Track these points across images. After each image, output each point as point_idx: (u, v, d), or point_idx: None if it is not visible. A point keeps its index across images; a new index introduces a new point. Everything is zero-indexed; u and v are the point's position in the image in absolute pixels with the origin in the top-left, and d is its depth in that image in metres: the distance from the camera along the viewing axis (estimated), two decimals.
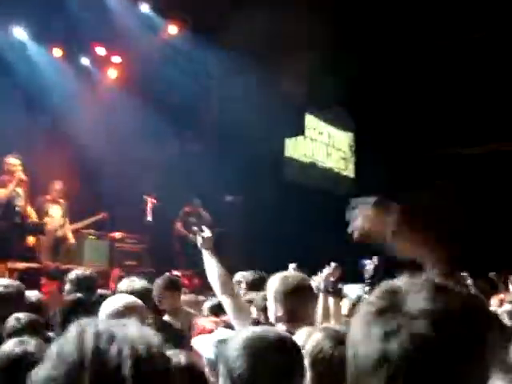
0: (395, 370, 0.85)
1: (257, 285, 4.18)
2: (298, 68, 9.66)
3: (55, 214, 8.12)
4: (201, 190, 9.45)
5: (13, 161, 6.88)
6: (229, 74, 9.70)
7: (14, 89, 8.64)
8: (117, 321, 1.02)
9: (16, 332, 2.78)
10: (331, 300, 3.39)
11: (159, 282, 4.50)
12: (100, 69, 10.27)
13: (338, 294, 3.53)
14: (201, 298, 5.07)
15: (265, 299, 3.15)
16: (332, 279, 3.46)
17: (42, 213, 7.82)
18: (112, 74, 10.41)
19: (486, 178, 10.71)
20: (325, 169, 12.82)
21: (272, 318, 2.92)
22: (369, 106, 11.52)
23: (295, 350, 1.73)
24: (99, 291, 3.98)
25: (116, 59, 10.27)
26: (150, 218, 8.71)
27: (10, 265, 6.75)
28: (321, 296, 3.33)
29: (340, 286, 3.63)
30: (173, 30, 10.16)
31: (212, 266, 3.15)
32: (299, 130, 11.91)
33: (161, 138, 9.52)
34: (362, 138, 12.75)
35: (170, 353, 1.12)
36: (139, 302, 2.72)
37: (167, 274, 5.16)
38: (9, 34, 8.95)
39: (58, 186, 8.14)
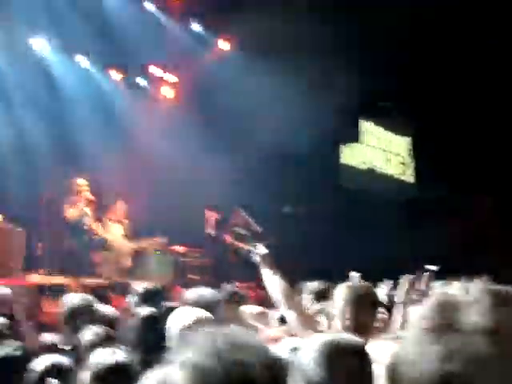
0: None
1: (323, 295, 4.15)
2: (350, 74, 9.60)
3: (117, 233, 8.37)
4: (257, 201, 9.51)
5: (80, 182, 7.22)
6: (280, 86, 9.76)
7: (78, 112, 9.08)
8: (236, 331, 1.06)
9: (94, 345, 2.90)
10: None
11: (221, 294, 4.54)
12: (157, 88, 10.61)
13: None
14: (266, 309, 5.07)
15: (333, 309, 3.13)
16: (418, 288, 3.30)
17: (106, 231, 8.11)
18: (168, 92, 10.73)
19: None
20: (384, 175, 12.61)
21: (339, 328, 2.91)
22: (427, 110, 11.27)
23: (367, 355, 1.73)
24: (167, 304, 4.07)
25: (171, 78, 10.59)
26: (212, 232, 8.85)
27: (81, 281, 7.04)
28: (399, 307, 3.18)
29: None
30: (224, 46, 10.38)
31: (273, 282, 3.13)
32: (354, 137, 11.80)
33: (216, 153, 9.68)
34: (421, 142, 12.48)
35: None
36: (208, 314, 2.78)
37: (229, 286, 5.20)
38: (72, 61, 9.43)
39: (120, 205, 8.36)
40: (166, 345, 2.82)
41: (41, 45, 9.05)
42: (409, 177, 13.13)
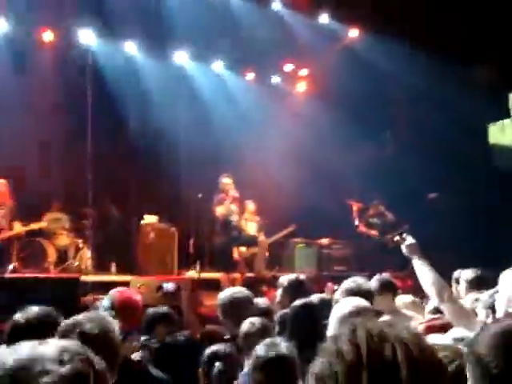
0: None
1: (478, 283, 3.96)
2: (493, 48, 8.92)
3: (251, 230, 8.63)
4: (401, 189, 9.24)
5: (226, 180, 7.60)
6: (416, 68, 9.36)
7: (215, 116, 9.55)
8: (384, 320, 1.05)
9: (252, 336, 3.08)
10: None
11: (373, 284, 4.50)
12: (290, 84, 10.81)
13: None
14: (417, 299, 4.95)
15: (491, 297, 2.97)
16: None
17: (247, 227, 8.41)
18: (301, 87, 10.90)
19: None
20: None
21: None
22: None
23: None
24: (319, 296, 4.14)
25: (303, 72, 10.73)
26: (356, 223, 8.81)
27: (233, 275, 7.42)
28: None
29: None
30: (354, 33, 10.25)
31: (424, 273, 3.04)
32: (504, 113, 10.90)
33: (356, 142, 9.58)
34: None
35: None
36: (367, 304, 2.79)
37: (380, 275, 5.14)
38: (209, 68, 9.96)
39: (250, 205, 8.61)
40: (324, 335, 2.89)
41: (181, 56, 9.71)
42: None
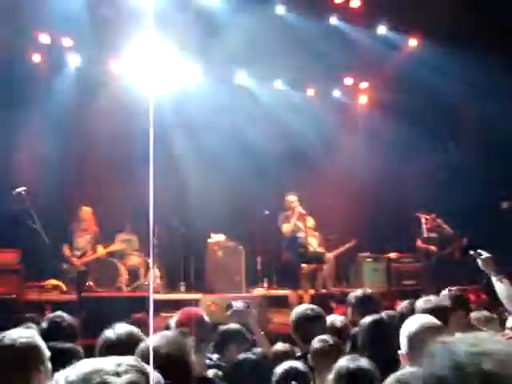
0: None
1: None
2: None
3: (313, 245, 8.54)
4: (467, 200, 8.92)
5: (291, 198, 7.64)
6: (480, 73, 9.06)
7: (277, 133, 9.64)
8: (476, 336, 1.00)
9: (323, 352, 3.07)
10: None
11: (445, 300, 4.37)
12: (351, 98, 10.77)
13: None
14: (493, 314, 4.75)
15: None
16: None
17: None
18: (362, 99, 10.84)
19: None
20: None
21: None
22: None
23: None
24: (388, 312, 4.07)
25: (364, 85, 10.68)
26: (425, 235, 8.57)
27: (301, 292, 7.40)
28: None
29: None
30: (413, 42, 10.10)
31: (502, 288, 2.93)
32: None
33: (419, 152, 9.37)
34: None
35: None
36: (436, 321, 2.72)
37: (452, 291, 4.98)
38: (272, 86, 10.09)
39: (310, 221, 8.54)
40: (396, 351, 2.84)
41: (242, 77, 9.90)
42: None
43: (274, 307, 7.84)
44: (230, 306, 4.46)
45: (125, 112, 8.72)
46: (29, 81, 8.38)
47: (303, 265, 7.66)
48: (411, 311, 3.58)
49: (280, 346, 3.95)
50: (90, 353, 2.69)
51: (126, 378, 1.03)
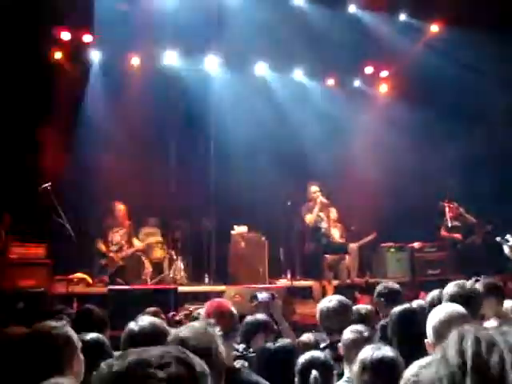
0: None
1: None
2: None
3: (335, 236, 8.51)
4: (497, 187, 8.79)
5: (313, 188, 7.58)
6: (506, 56, 8.87)
7: (298, 124, 9.60)
8: (495, 328, 1.00)
9: (353, 343, 3.07)
10: None
11: (479, 287, 4.30)
12: (372, 87, 10.67)
13: None
14: None
15: None
16: None
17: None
18: (383, 88, 10.73)
19: None
20: None
21: None
22: None
23: None
24: (417, 301, 4.04)
25: (384, 73, 10.56)
26: (449, 224, 8.47)
27: (324, 282, 7.40)
28: None
29: None
30: (434, 28, 9.95)
31: None
32: None
33: (445, 141, 9.24)
34: None
35: None
36: (462, 310, 2.70)
37: (485, 278, 4.90)
38: (289, 77, 10.06)
39: (333, 212, 8.50)
40: (424, 341, 2.83)
41: (262, 68, 9.88)
42: None
43: (298, 298, 7.86)
44: (254, 297, 4.47)
45: (149, 106, 8.80)
46: (51, 77, 8.48)
47: (326, 255, 7.65)
48: (440, 300, 3.55)
49: (305, 337, 3.97)
50: (116, 344, 2.74)
51: (169, 371, 1.02)
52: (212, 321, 2.56)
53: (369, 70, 10.42)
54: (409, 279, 8.80)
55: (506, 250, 3.10)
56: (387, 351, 2.42)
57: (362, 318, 3.71)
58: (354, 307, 3.90)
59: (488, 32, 8.34)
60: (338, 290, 6.95)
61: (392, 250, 9.10)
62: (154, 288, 7.34)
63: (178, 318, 5.14)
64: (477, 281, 4.54)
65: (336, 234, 8.46)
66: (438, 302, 3.66)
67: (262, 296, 4.35)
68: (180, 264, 8.62)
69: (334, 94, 10.15)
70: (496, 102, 9.18)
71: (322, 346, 3.61)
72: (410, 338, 3.05)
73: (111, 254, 7.84)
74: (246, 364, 3.29)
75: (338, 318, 3.55)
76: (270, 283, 8.27)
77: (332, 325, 3.56)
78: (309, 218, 7.35)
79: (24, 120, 7.97)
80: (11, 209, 7.19)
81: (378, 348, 2.44)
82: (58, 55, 8.80)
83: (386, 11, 9.69)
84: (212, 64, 9.57)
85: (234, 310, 2.97)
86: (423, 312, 3.37)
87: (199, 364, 1.09)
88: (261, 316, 3.85)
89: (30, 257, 7.09)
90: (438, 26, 9.86)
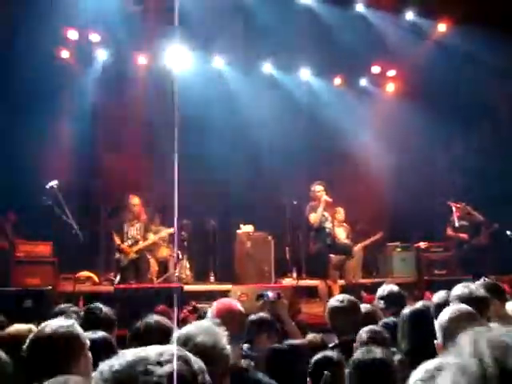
0: None
1: None
2: None
3: (341, 236, 8.47)
4: (498, 188, 8.74)
5: (317, 187, 7.51)
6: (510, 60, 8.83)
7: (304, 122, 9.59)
8: (507, 329, 0.98)
9: (362, 343, 3.06)
10: None
11: (480, 288, 4.29)
12: (378, 86, 10.64)
13: None
14: None
15: None
16: None
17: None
18: (390, 87, 10.71)
19: None
20: None
21: None
22: None
23: None
24: (423, 302, 4.02)
25: (391, 73, 10.53)
26: (457, 224, 8.42)
27: (329, 282, 7.38)
28: None
29: None
30: (442, 27, 9.91)
31: None
32: None
33: (451, 140, 9.22)
34: None
35: None
36: (471, 310, 2.69)
37: (485, 279, 4.90)
38: (296, 75, 10.05)
39: (340, 212, 8.48)
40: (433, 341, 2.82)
41: (268, 66, 9.87)
42: None
43: (304, 297, 7.85)
44: (261, 296, 4.46)
45: (154, 104, 8.81)
46: (59, 76, 8.51)
47: (331, 255, 7.63)
48: (447, 301, 3.53)
49: (312, 337, 3.95)
50: (122, 343, 2.75)
51: (169, 367, 1.04)
52: (218, 320, 2.56)
53: (376, 69, 10.40)
54: (414, 279, 8.78)
55: None
56: (378, 353, 2.40)
57: (369, 318, 3.70)
58: (363, 309, 3.89)
59: (495, 31, 8.29)
60: (344, 290, 6.93)
61: (398, 249, 9.08)
62: (159, 287, 7.34)
63: (182, 315, 5.15)
64: (484, 282, 4.53)
65: (342, 234, 8.43)
66: (444, 303, 3.65)
67: (269, 295, 4.34)
68: (186, 263, 8.63)
69: (341, 93, 10.14)
70: (503, 102, 9.14)
71: (330, 345, 3.61)
72: (419, 339, 3.04)
73: (123, 246, 7.77)
74: (252, 364, 3.28)
75: (348, 317, 3.54)
76: (275, 282, 8.27)
77: (342, 324, 3.54)
78: (313, 218, 7.32)
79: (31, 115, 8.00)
80: (17, 207, 7.23)
81: (369, 350, 2.43)
82: (65, 54, 8.84)
83: (393, 10, 9.67)
84: (219, 63, 9.58)
85: (242, 309, 2.96)
86: (429, 313, 3.36)
87: (197, 361, 1.11)
88: (264, 315, 3.84)
89: (36, 255, 7.12)
90: (446, 25, 9.83)
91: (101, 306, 3.21)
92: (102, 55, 9.17)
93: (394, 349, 3.02)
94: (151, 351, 1.08)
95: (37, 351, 2.02)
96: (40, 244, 7.21)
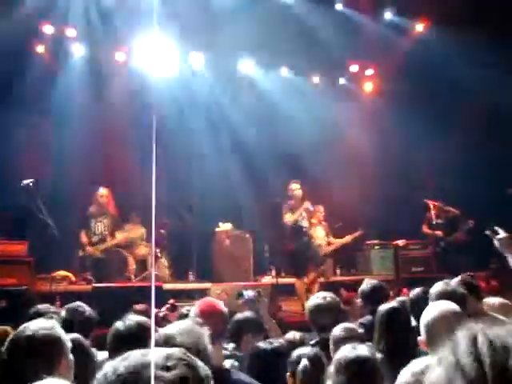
0: None
1: None
2: None
3: (320, 235, 8.54)
4: (477, 186, 8.86)
5: (294, 186, 7.60)
6: (489, 58, 8.94)
7: (284, 121, 9.60)
8: (503, 328, 0.96)
9: (341, 340, 3.06)
10: None
11: (457, 286, 4.34)
12: (356, 84, 10.70)
13: None
14: (507, 301, 4.72)
15: None
16: None
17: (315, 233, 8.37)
18: (368, 86, 10.77)
19: None
20: None
21: None
22: None
23: None
24: (400, 299, 4.06)
25: (369, 72, 10.60)
26: (434, 221, 8.53)
27: (307, 279, 7.41)
28: None
29: None
30: (420, 27, 10.02)
31: None
32: None
33: (428, 139, 9.30)
34: None
35: None
36: (456, 307, 2.71)
37: (462, 277, 4.96)
38: (277, 73, 10.05)
39: (319, 211, 8.52)
40: (410, 338, 2.84)
41: (247, 65, 9.84)
42: None
43: (283, 295, 7.86)
44: (241, 295, 4.46)
45: (131, 101, 8.70)
46: (34, 72, 8.35)
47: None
48: (424, 298, 3.57)
49: (290, 335, 3.96)
50: (101, 343, 2.71)
51: (176, 372, 1.03)
52: (200, 320, 2.53)
53: (354, 68, 10.46)
54: (393, 277, 8.86)
55: (496, 243, 3.11)
56: (363, 351, 2.41)
57: (347, 316, 3.73)
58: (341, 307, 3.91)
59: (475, 30, 8.40)
60: (323, 288, 6.96)
61: (376, 247, 9.16)
62: (138, 285, 7.27)
63: (161, 314, 5.11)
64: (461, 279, 4.58)
65: (321, 232, 8.47)
66: (420, 299, 3.69)
67: (249, 293, 4.34)
68: (165, 261, 8.56)
69: (320, 92, 10.16)
70: (482, 102, 9.25)
71: (311, 342, 3.61)
72: (395, 336, 3.07)
73: (88, 247, 7.57)
74: (237, 364, 3.26)
75: (329, 314, 3.56)
76: (254, 280, 8.27)
77: (323, 322, 3.56)
78: (288, 217, 7.37)
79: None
80: None
81: (354, 347, 2.43)
82: (40, 49, 8.68)
83: (372, 9, 9.73)
84: (197, 61, 9.51)
85: (225, 309, 2.94)
86: (406, 309, 3.41)
87: (202, 366, 1.09)
88: (250, 314, 3.83)
89: (11, 254, 6.97)
90: (424, 24, 9.92)
91: (82, 305, 3.16)
92: (78, 51, 9.02)
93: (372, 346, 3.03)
94: (158, 355, 1.05)
95: (16, 353, 1.97)
96: (15, 243, 7.06)
